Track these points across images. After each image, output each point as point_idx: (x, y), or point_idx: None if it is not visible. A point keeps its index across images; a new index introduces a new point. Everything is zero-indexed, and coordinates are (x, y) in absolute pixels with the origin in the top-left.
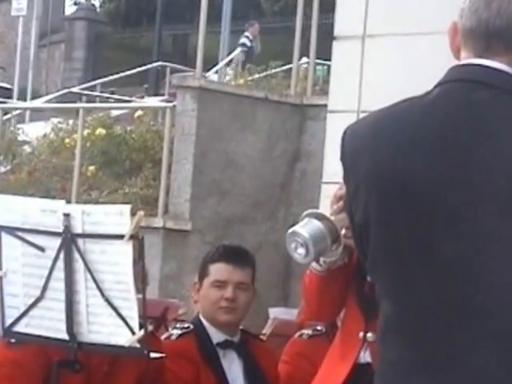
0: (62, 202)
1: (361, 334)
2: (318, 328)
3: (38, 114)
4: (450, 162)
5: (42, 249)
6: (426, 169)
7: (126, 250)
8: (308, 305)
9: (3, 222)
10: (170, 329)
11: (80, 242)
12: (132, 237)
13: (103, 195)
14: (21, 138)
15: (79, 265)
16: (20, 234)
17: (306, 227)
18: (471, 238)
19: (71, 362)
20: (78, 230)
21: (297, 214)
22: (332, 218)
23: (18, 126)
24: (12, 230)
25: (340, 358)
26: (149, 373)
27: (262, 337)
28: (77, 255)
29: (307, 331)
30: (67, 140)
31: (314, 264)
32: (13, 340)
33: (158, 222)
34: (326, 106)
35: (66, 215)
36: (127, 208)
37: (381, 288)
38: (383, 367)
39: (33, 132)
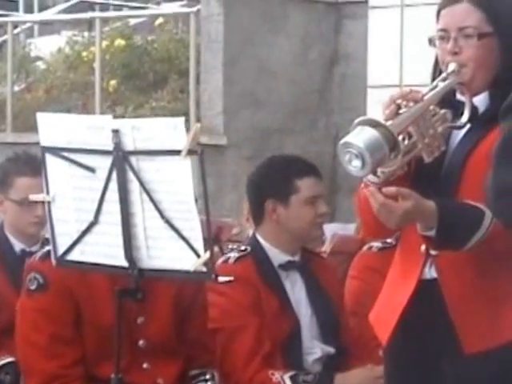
0: (109, 116)
1: (422, 247)
2: (388, 241)
3: (46, 28)
4: None
5: (92, 169)
6: None
7: (184, 166)
8: (365, 221)
9: (46, 142)
10: (224, 250)
11: (133, 159)
12: (190, 152)
13: (129, 111)
14: (33, 53)
15: (134, 185)
16: (66, 154)
17: (360, 136)
18: None
19: (133, 291)
20: (129, 147)
21: (339, 122)
22: (387, 123)
23: (28, 40)
24: (57, 151)
25: (402, 275)
26: (185, 291)
27: (322, 255)
28: (131, 175)
29: (377, 244)
30: (84, 53)
31: (369, 176)
32: (32, 287)
33: None
34: (362, 2)
35: (115, 131)
36: (181, 121)
37: None
38: None
39: (45, 47)
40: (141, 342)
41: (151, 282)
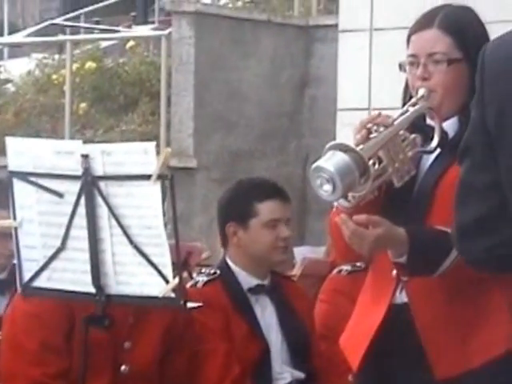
0: (79, 142)
1: (393, 272)
2: (358, 264)
3: (16, 50)
4: None
5: (59, 194)
6: None
7: (153, 191)
8: (336, 245)
9: (13, 167)
10: (194, 275)
11: (102, 185)
12: (160, 177)
13: (99, 134)
14: (2, 76)
15: (102, 210)
16: (33, 179)
17: (331, 161)
18: None
19: (99, 318)
20: (98, 172)
21: (309, 145)
22: (358, 148)
23: None
24: (24, 176)
25: (374, 299)
26: (177, 323)
27: (292, 278)
28: (99, 200)
29: (346, 267)
30: (54, 76)
31: (340, 201)
32: None
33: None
34: (333, 26)
35: (85, 156)
36: (152, 145)
37: None
38: None
39: (15, 69)
40: (123, 368)
41: (143, 309)
